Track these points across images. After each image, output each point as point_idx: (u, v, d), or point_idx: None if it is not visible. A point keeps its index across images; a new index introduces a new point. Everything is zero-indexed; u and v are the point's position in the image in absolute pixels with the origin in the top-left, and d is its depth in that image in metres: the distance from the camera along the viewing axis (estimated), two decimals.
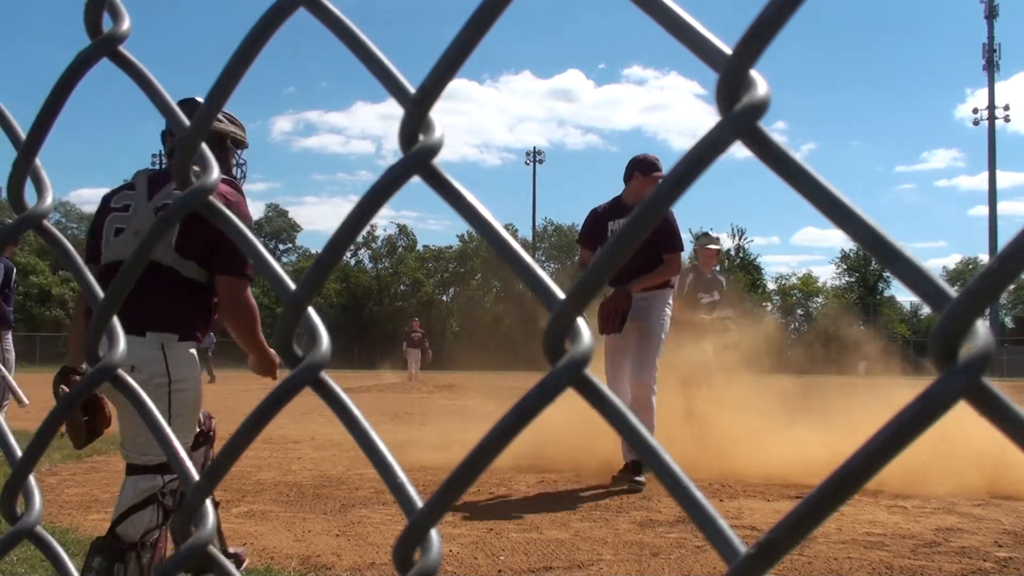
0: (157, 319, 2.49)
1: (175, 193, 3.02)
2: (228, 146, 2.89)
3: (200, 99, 2.69)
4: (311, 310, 0.43)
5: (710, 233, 8.21)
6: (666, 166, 5.13)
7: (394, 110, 0.44)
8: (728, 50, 0.31)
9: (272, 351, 2.77)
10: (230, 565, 0.47)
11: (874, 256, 0.28)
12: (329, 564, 3.30)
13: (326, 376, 0.42)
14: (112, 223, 2.62)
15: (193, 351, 2.57)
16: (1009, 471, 4.87)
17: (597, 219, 5.33)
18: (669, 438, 5.12)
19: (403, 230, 58.22)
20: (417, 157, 0.38)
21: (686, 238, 5.66)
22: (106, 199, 2.72)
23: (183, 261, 2.53)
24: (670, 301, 5.30)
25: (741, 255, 56.18)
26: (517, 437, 0.34)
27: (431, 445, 7.15)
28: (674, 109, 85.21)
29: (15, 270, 6.70)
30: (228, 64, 0.45)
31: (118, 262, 2.57)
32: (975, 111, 47.11)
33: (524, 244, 52.07)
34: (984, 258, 48.13)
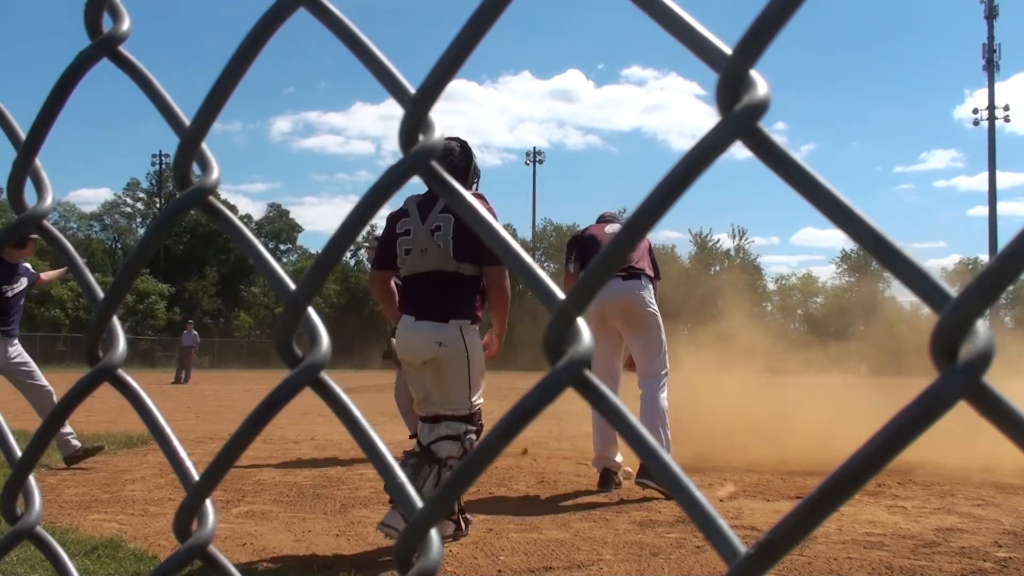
0: (454, 310, 3.47)
1: (441, 216, 3.44)
2: (471, 178, 3.83)
3: (464, 140, 3.76)
4: (311, 310, 0.43)
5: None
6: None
7: (394, 110, 0.44)
8: (728, 50, 0.31)
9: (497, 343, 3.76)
10: (230, 565, 0.47)
11: (874, 256, 0.28)
12: (329, 564, 3.30)
13: (326, 376, 0.42)
14: (401, 246, 3.56)
15: (476, 328, 3.55)
16: None
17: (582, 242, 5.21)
18: None
19: None
20: (417, 157, 0.38)
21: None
22: (391, 222, 3.67)
23: (461, 264, 3.45)
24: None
25: (741, 255, 56.17)
26: (517, 437, 0.34)
27: None
28: (674, 109, 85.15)
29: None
30: (228, 64, 0.45)
31: (413, 274, 3.53)
32: (975, 111, 47.04)
33: (524, 244, 52.01)
34: (984, 258, 48.08)
